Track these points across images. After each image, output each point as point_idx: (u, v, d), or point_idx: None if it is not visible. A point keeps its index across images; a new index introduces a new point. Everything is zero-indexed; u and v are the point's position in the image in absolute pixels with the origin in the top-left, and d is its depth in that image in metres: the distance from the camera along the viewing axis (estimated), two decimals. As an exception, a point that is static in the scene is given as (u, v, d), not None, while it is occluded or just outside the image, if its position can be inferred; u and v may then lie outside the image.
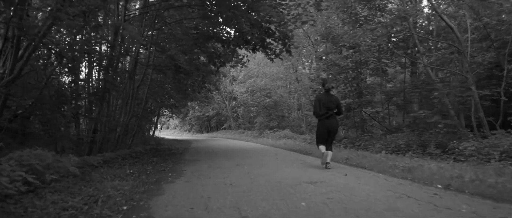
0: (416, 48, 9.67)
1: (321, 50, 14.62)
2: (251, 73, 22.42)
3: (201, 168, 5.46)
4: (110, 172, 4.80)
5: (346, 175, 4.18)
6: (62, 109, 6.90)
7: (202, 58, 10.91)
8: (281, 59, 9.74)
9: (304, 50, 18.44)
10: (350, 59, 10.44)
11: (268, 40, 8.26)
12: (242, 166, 5.49)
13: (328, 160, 4.79)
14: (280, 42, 8.26)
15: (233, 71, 24.38)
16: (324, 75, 12.38)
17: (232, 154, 8.15)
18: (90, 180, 4.08)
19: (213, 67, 10.84)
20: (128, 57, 10.65)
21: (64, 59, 6.15)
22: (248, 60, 10.28)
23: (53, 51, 5.82)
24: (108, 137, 8.10)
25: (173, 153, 9.09)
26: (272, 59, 8.81)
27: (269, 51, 8.55)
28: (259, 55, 21.49)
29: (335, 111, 4.97)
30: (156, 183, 4.04)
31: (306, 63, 21.05)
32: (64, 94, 6.13)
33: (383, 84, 10.98)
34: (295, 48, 10.26)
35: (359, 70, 10.57)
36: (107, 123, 8.37)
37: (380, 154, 6.41)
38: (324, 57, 12.10)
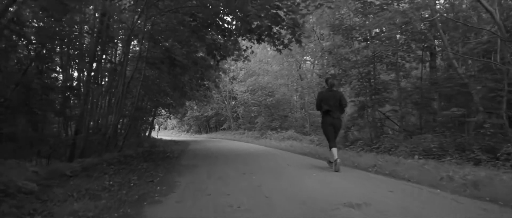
0: (436, 41, 8.67)
1: (328, 43, 13.55)
2: (252, 71, 21.38)
3: (198, 178, 4.41)
4: (82, 185, 3.74)
5: (392, 191, 3.14)
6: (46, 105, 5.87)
7: (201, 54, 9.85)
8: (290, 50, 8.68)
9: (306, 48, 17.41)
10: (364, 53, 9.42)
11: (276, 28, 7.22)
12: (249, 175, 4.45)
13: (336, 156, 4.68)
14: (289, 31, 7.23)
15: (233, 71, 23.36)
16: (332, 71, 11.37)
17: (234, 159, 7.11)
18: (48, 199, 3.04)
19: (212, 62, 9.81)
20: (118, 50, 9.62)
21: (35, 45, 5.11)
22: (252, 52, 9.19)
23: (19, 35, 4.77)
24: (92, 139, 7.08)
25: (167, 156, 8.03)
26: (280, 51, 7.76)
27: (276, 41, 7.51)
28: (260, 52, 20.58)
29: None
30: (136, 203, 2.99)
31: (310, 61, 19.99)
32: (31, 88, 5.04)
33: (399, 80, 9.94)
34: (306, 37, 9.20)
35: (372, 65, 9.55)
36: (91, 122, 7.35)
37: (412, 159, 5.37)
38: (331, 52, 11.06)
